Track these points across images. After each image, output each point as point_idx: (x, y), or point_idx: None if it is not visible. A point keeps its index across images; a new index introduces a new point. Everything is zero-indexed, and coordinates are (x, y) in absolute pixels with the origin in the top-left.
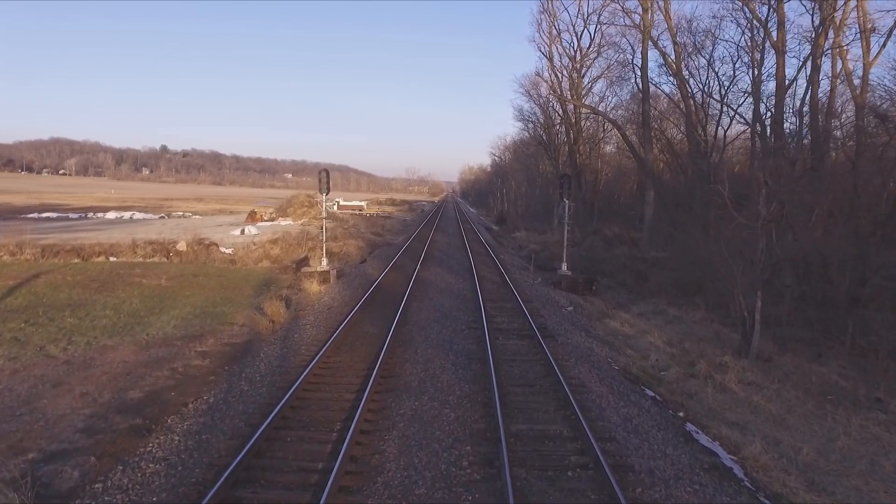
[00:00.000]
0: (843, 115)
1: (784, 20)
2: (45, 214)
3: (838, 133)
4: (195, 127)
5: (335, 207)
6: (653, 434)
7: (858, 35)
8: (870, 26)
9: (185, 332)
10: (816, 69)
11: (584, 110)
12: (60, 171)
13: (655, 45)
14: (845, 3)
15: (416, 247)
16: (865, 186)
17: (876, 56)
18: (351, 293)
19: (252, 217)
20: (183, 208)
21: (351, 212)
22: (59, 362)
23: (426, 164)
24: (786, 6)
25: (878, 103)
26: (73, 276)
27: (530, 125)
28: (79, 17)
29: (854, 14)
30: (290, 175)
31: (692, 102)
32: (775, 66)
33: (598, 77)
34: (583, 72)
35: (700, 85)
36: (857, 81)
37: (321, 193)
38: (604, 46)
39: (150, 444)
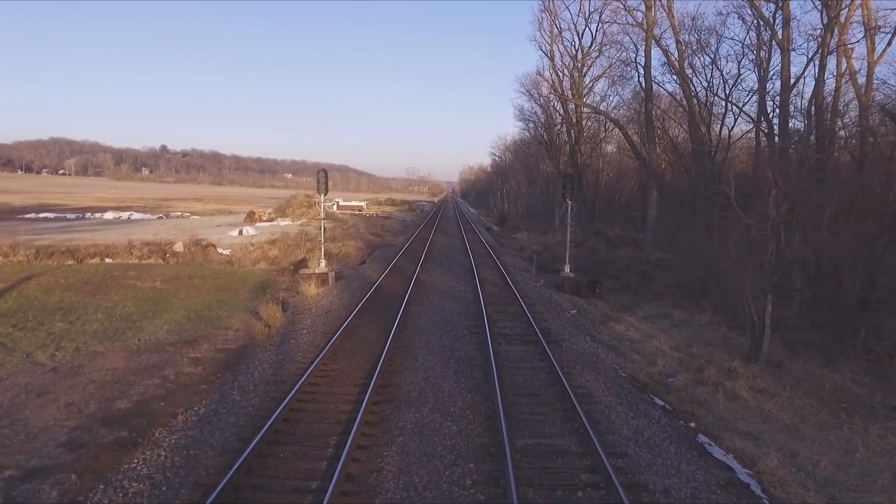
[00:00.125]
0: (848, 115)
1: (789, 18)
2: (42, 215)
3: (842, 133)
4: (195, 127)
5: (334, 208)
6: (665, 448)
7: (863, 33)
8: (874, 25)
9: (178, 337)
10: (823, 67)
11: (585, 110)
12: (60, 171)
13: (658, 43)
14: (850, 1)
15: (416, 248)
16: (872, 187)
17: (881, 55)
18: (349, 296)
19: (250, 217)
20: (182, 208)
21: (350, 212)
22: (46, 370)
23: (426, 164)
24: (791, 4)
25: (886, 102)
26: (66, 278)
27: (531, 125)
28: (79, 17)
29: (859, 12)
30: (290, 175)
31: (696, 101)
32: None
33: (600, 76)
34: (584, 71)
35: (704, 83)
36: (861, 80)
37: (319, 194)
38: (605, 45)
39: (136, 460)
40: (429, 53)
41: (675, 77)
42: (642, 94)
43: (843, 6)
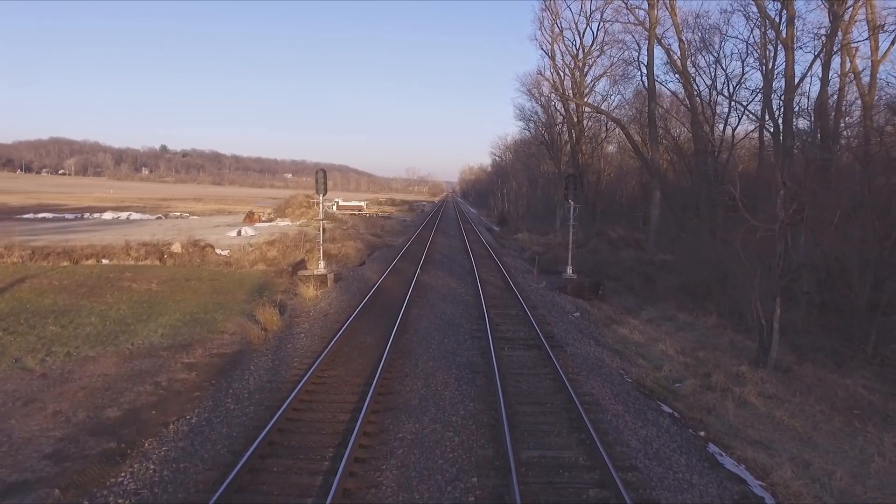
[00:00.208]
0: (850, 115)
1: (794, 17)
2: (40, 215)
3: (846, 132)
4: (195, 127)
5: (334, 208)
6: (676, 459)
7: (867, 32)
8: (878, 24)
9: (173, 341)
10: (828, 66)
11: (586, 109)
12: (60, 171)
13: (660, 42)
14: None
15: (416, 248)
16: (879, 188)
17: (884, 54)
18: (348, 298)
19: (249, 218)
20: (181, 208)
21: (350, 212)
22: (35, 376)
23: (426, 164)
24: (796, 3)
25: (893, 101)
26: (61, 280)
27: (532, 124)
28: (79, 17)
29: (862, 11)
30: (290, 175)
31: (699, 101)
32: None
33: (601, 75)
34: (585, 70)
35: (707, 82)
36: (865, 80)
37: (318, 194)
38: (607, 44)
39: (123, 474)
40: (429, 53)
41: (677, 76)
42: (644, 93)
43: (848, 5)
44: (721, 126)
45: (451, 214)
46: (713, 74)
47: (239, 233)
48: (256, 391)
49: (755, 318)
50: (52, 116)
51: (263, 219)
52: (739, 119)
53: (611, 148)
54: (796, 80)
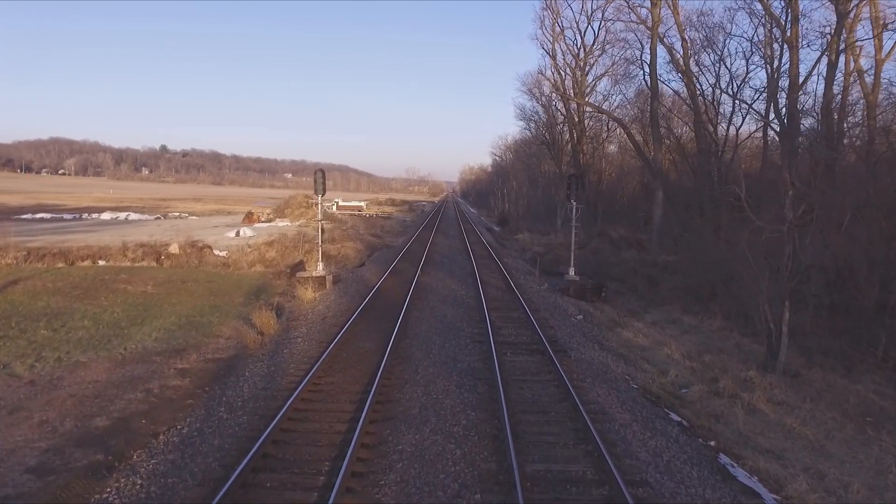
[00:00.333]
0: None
1: (798, 15)
2: (39, 215)
3: (850, 132)
4: (195, 127)
5: (334, 208)
6: (687, 472)
7: (870, 32)
8: (883, 22)
9: (167, 345)
10: (833, 65)
11: (587, 109)
12: (60, 171)
13: (662, 41)
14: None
15: (416, 249)
16: (885, 189)
17: (888, 53)
18: (347, 301)
19: (249, 218)
20: (180, 208)
21: (350, 212)
22: (23, 382)
23: (426, 164)
24: (800, 1)
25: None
26: (55, 282)
27: (532, 124)
28: (79, 17)
29: (867, 10)
30: (290, 175)
31: (702, 100)
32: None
33: (603, 75)
34: (587, 70)
35: (710, 81)
36: (868, 79)
37: (317, 194)
38: (608, 43)
39: (108, 489)
40: (429, 53)
41: (679, 75)
42: (646, 92)
43: (853, 3)
44: (724, 125)
45: (452, 215)
46: (717, 73)
47: (237, 233)
48: (251, 399)
49: (763, 321)
50: (52, 116)
51: (262, 219)
52: (744, 118)
53: (612, 147)
54: (801, 79)
